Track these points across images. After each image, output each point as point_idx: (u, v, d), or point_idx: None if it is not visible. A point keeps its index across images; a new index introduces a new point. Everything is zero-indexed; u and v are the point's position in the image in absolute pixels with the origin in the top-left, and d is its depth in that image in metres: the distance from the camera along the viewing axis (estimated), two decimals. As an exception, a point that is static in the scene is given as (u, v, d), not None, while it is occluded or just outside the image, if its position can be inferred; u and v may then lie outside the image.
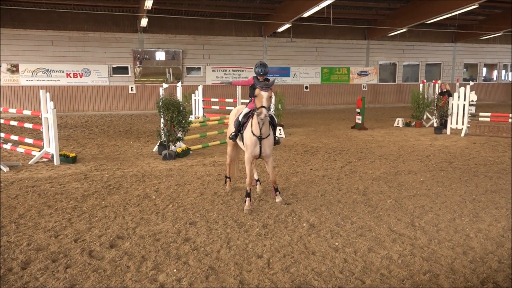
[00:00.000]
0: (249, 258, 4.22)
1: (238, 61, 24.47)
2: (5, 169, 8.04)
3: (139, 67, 22.44)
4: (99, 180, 7.37)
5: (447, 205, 5.95)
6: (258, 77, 5.85)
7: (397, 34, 25.59)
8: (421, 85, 16.13)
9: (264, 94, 5.36)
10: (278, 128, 12.75)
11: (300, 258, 4.22)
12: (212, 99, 16.76)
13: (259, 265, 4.06)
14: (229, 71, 24.38)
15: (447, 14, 19.81)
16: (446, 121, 13.68)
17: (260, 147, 5.62)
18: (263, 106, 5.30)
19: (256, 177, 6.66)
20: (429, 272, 3.93)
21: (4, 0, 18.94)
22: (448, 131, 13.50)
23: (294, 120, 17.62)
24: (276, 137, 5.97)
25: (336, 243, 4.58)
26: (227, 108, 14.98)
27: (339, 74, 27.21)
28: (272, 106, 13.15)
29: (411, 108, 15.81)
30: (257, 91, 5.42)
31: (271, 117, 5.87)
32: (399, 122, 15.69)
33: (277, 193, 6.04)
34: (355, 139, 12.45)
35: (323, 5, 17.66)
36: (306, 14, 19.55)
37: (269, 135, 5.67)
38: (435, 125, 14.04)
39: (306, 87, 26.43)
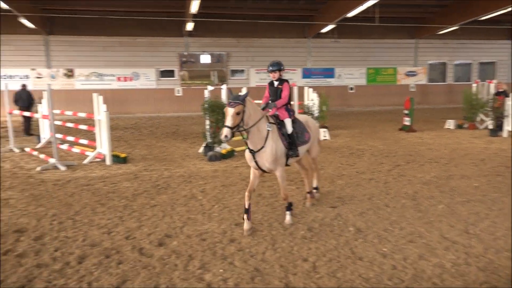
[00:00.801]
0: (295, 261, 4.19)
1: (282, 62, 24.45)
2: (62, 168, 8.52)
3: (184, 70, 23.01)
4: (148, 180, 7.63)
5: (505, 212, 5.61)
6: (270, 75, 5.59)
7: (448, 32, 24.52)
8: (474, 85, 15.35)
9: (229, 111, 4.55)
10: (322, 129, 12.62)
11: (346, 263, 4.14)
12: (256, 101, 16.86)
13: (305, 268, 4.03)
14: (273, 73, 24.42)
15: (502, 9, 18.73)
16: (502, 123, 12.92)
17: (256, 161, 4.97)
18: (226, 125, 4.50)
19: (307, 189, 6.04)
20: (485, 283, 3.72)
21: (61, 9, 20.11)
22: (505, 134, 12.73)
23: (339, 122, 17.35)
24: (290, 152, 5.14)
25: (384, 249, 4.45)
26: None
27: (386, 75, 26.49)
28: (315, 106, 13.04)
29: (463, 109, 15.07)
30: (225, 108, 4.67)
31: (279, 126, 5.18)
32: (450, 124, 15.01)
33: (288, 212, 5.27)
34: (403, 141, 12.06)
35: (368, 4, 17.28)
36: (351, 14, 19.21)
37: (263, 147, 4.86)
38: (490, 127, 13.29)
39: (351, 88, 25.96)
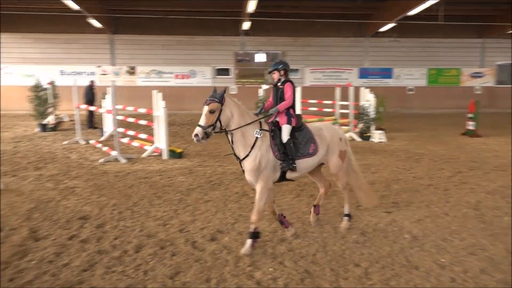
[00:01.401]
0: (346, 265, 4.11)
1: (338, 62, 24.06)
2: (123, 160, 8.97)
3: (239, 68, 23.31)
4: (202, 176, 7.82)
5: None
6: (273, 77, 4.88)
7: (520, 30, 22.77)
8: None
9: (204, 108, 4.18)
10: (378, 131, 12.24)
11: (401, 271, 3.98)
12: (310, 101, 16.71)
13: (356, 273, 3.93)
14: (328, 72, 24.09)
15: None
16: None
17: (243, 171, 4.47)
18: (198, 124, 4.14)
19: (316, 201, 5.30)
20: (557, 304, 3.42)
21: (125, 9, 21.16)
22: None
23: (396, 124, 16.71)
24: (283, 164, 4.44)
25: (443, 260, 4.23)
26: (325, 110, 14.80)
27: (449, 76, 25.15)
28: (371, 107, 12.66)
29: (535, 114, 13.94)
30: None
31: (273, 131, 4.52)
32: (519, 129, 13.95)
33: (249, 241, 4.38)
34: (466, 147, 11.38)
35: (431, 2, 16.48)
36: (412, 12, 18.43)
37: (247, 156, 4.33)
38: None
39: (411, 89, 24.93)
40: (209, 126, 4.16)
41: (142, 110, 10.37)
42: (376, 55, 24.39)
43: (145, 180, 7.42)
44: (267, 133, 4.48)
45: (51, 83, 14.80)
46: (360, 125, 12.90)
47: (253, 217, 4.41)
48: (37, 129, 14.05)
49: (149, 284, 3.72)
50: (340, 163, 4.91)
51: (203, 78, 23.38)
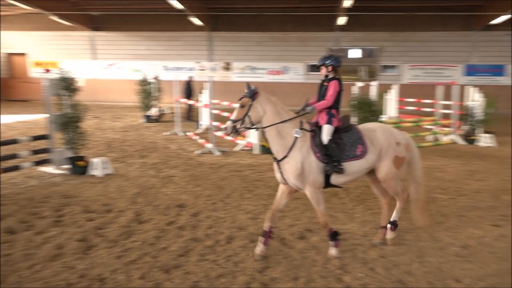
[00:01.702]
0: (444, 280, 3.81)
1: (440, 58, 22.29)
2: (217, 153, 9.39)
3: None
4: (291, 172, 7.84)
5: None
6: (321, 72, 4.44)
7: None
8: None
9: (238, 104, 4.14)
10: (486, 135, 11.13)
11: (511, 293, 3.58)
12: (407, 99, 15.78)
13: (457, 290, 3.63)
14: (429, 69, 22.48)
15: None
16: None
17: (281, 172, 4.19)
18: (229, 119, 4.12)
19: (382, 222, 4.70)
20: None
21: (224, 7, 22.03)
22: None
23: (509, 128, 15.00)
24: (327, 167, 4.09)
25: None
26: (423, 109, 13.84)
27: None
28: (478, 108, 11.51)
29: None
30: None
31: (314, 131, 4.21)
32: None
33: (332, 243, 4.27)
34: None
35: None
36: (534, 2, 16.33)
37: (286, 157, 4.07)
38: None
39: (527, 89, 22.15)
40: (237, 120, 4.06)
41: (236, 105, 10.68)
42: (485, 50, 22.09)
43: (237, 174, 7.66)
44: (308, 134, 4.18)
45: (155, 77, 16.03)
46: (465, 127, 11.84)
47: (322, 222, 4.31)
48: (142, 120, 15.34)
49: (238, 275, 3.84)
50: (393, 170, 4.36)
51: (295, 74, 23.40)
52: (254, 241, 4.55)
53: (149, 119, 15.18)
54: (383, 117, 14.01)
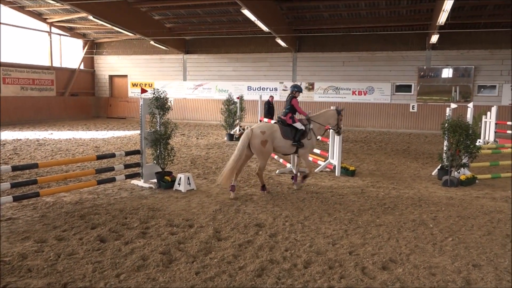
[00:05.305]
0: None
1: (550, 77, 19.96)
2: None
3: (423, 85, 21.66)
4: (374, 197, 7.47)
5: None
6: None
7: None
8: None
9: None
10: None
11: None
12: (508, 123, 14.31)
13: None
14: (536, 89, 20.21)
15: None
16: None
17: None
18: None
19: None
20: None
21: (309, 29, 22.19)
22: None
23: None
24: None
25: None
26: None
27: None
28: None
29: None
30: None
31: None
32: None
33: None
34: None
35: None
36: None
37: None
38: None
39: None
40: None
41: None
42: None
43: (317, 195, 7.49)
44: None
45: (239, 97, 16.56)
46: None
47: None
48: (225, 138, 15.87)
49: (315, 303, 3.68)
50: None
51: (380, 94, 22.57)
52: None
53: (232, 137, 15.65)
54: (480, 142, 12.86)
